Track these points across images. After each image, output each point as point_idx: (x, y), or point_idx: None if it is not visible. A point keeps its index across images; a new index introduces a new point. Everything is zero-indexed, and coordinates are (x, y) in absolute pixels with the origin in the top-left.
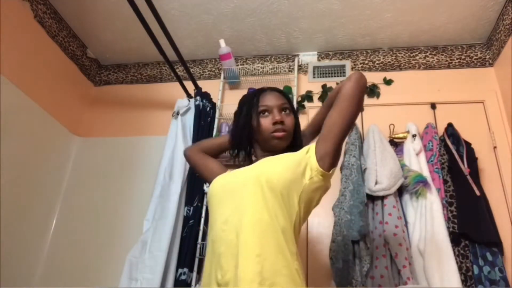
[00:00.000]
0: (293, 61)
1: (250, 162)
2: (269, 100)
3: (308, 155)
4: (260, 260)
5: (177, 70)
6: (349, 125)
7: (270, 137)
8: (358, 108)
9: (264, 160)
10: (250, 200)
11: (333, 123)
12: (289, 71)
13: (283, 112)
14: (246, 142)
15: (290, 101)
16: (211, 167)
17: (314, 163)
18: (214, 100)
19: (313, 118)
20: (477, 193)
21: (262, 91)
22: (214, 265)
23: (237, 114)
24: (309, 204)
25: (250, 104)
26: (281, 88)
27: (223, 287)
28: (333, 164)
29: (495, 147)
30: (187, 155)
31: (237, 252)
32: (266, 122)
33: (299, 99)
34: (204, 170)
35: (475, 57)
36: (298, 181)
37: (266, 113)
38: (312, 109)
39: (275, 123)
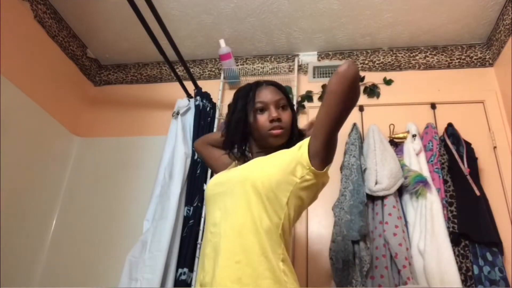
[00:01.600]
0: (293, 61)
1: (245, 158)
2: (266, 96)
3: (300, 152)
4: (241, 266)
5: (177, 70)
6: (338, 122)
7: (267, 135)
8: (348, 103)
9: (253, 162)
10: (235, 204)
11: (320, 122)
12: (289, 71)
13: (280, 109)
14: (240, 139)
15: (287, 95)
16: (218, 158)
17: (306, 161)
18: (214, 100)
19: None
20: (477, 193)
21: (258, 85)
22: (201, 265)
23: (231, 107)
24: (301, 202)
25: (245, 99)
26: None
27: (203, 287)
28: (325, 163)
29: (495, 147)
30: (195, 147)
31: (218, 256)
32: (262, 119)
33: (299, 99)
34: (210, 161)
35: (475, 57)
36: (288, 181)
37: (263, 110)
38: (312, 109)
39: (272, 121)
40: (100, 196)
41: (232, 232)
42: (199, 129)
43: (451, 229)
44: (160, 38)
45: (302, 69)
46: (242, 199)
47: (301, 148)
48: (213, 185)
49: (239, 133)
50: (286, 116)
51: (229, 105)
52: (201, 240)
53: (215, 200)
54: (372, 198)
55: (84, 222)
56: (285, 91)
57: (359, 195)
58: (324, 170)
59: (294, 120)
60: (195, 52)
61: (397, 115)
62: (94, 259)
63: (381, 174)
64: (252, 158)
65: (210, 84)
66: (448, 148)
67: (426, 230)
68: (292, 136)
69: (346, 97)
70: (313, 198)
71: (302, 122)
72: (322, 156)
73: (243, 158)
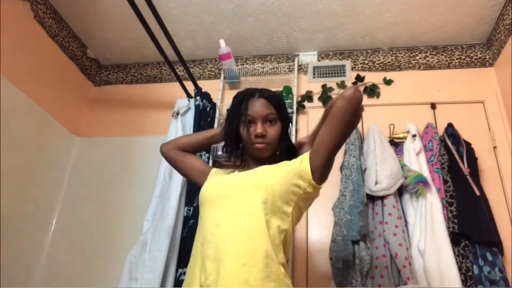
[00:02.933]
0: (293, 61)
1: (243, 161)
2: (254, 110)
3: (302, 166)
4: (248, 268)
5: (177, 70)
6: (340, 143)
7: (252, 148)
8: (351, 126)
9: (262, 169)
10: (242, 208)
11: (322, 140)
12: (289, 71)
13: (267, 123)
14: (236, 147)
15: (279, 107)
16: (193, 165)
17: (308, 175)
18: (214, 100)
19: (315, 127)
20: (477, 193)
21: (251, 96)
22: (199, 266)
23: (228, 114)
24: (300, 212)
25: (238, 109)
26: (281, 88)
27: None
28: (323, 179)
29: (495, 147)
30: (163, 152)
31: (222, 257)
32: (249, 132)
33: (299, 99)
34: (185, 168)
35: (475, 57)
36: (293, 191)
37: (251, 123)
38: (312, 109)
39: (256, 136)
40: (100, 196)
41: (239, 234)
42: (199, 129)
43: (451, 229)
44: (160, 38)
45: (302, 69)
46: (251, 203)
47: (303, 163)
48: (212, 186)
49: (233, 142)
50: (272, 131)
51: (227, 110)
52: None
53: (215, 202)
54: (372, 198)
55: (84, 222)
56: (277, 103)
57: (359, 195)
58: (322, 184)
59: (283, 133)
60: (195, 52)
61: (397, 115)
62: (94, 259)
63: (381, 174)
64: (249, 164)
65: (210, 84)
66: (448, 148)
67: (426, 230)
68: (280, 149)
69: (350, 121)
70: (306, 209)
71: (302, 122)
72: (322, 171)
73: (242, 162)
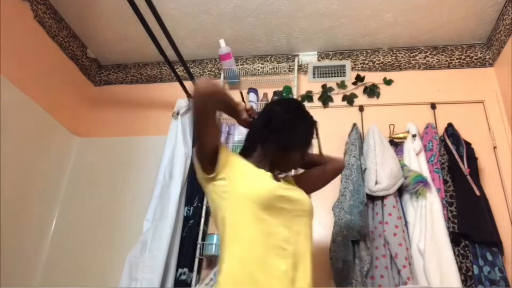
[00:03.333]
0: (293, 61)
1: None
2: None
3: None
4: None
5: (177, 70)
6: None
7: (290, 167)
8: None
9: (304, 193)
10: (308, 231)
11: (312, 181)
12: (289, 71)
13: None
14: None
15: None
16: (216, 134)
17: None
18: None
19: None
20: (477, 193)
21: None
22: (289, 268)
23: (294, 118)
24: None
25: (311, 134)
26: (281, 88)
27: None
28: None
29: (495, 147)
30: (208, 92)
31: (297, 277)
32: (299, 157)
33: (299, 99)
34: (210, 127)
35: (475, 57)
36: None
37: (307, 150)
38: (312, 109)
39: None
40: (100, 196)
41: (307, 258)
42: None
43: (451, 229)
44: (160, 38)
45: (302, 69)
46: (310, 229)
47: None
48: (279, 195)
49: (281, 148)
50: None
51: (289, 107)
52: (201, 240)
53: (280, 214)
54: (372, 198)
55: (84, 222)
56: None
57: (359, 195)
58: None
59: None
60: (195, 52)
61: (397, 115)
62: (94, 259)
63: (381, 174)
64: (265, 163)
65: None
66: (448, 148)
67: (426, 230)
68: None
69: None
70: None
71: None
72: None
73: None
